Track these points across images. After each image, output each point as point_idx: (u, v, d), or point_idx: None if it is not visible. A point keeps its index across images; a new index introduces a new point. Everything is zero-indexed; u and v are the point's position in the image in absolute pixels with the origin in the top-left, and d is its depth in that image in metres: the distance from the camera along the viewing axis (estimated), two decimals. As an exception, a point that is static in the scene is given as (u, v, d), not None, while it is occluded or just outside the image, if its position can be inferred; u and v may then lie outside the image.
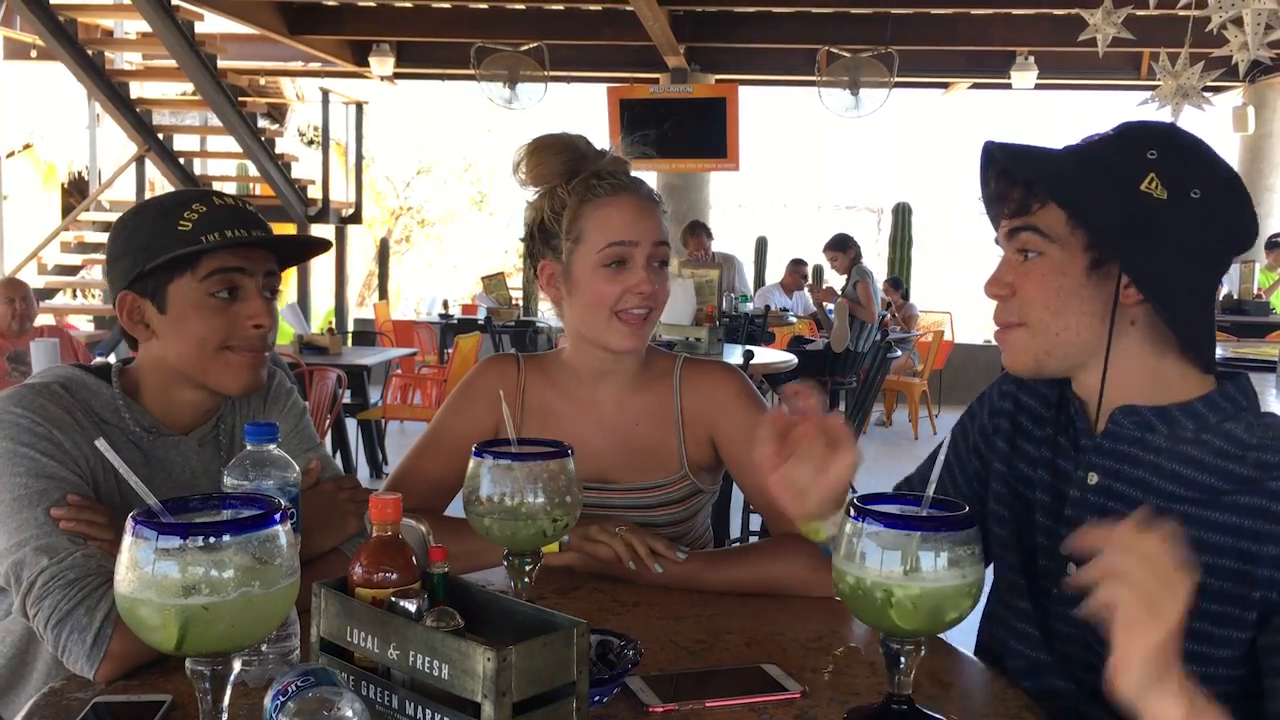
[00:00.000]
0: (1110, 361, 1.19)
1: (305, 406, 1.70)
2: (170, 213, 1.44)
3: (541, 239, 1.70)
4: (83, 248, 9.92)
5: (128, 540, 0.89)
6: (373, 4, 9.56)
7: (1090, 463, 1.25)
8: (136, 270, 1.43)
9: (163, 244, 1.42)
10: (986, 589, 1.17)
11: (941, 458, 1.10)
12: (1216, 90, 7.48)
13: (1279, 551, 1.10)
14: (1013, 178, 1.23)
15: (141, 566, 0.88)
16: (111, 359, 1.56)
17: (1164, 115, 4.35)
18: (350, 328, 10.87)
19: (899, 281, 10.42)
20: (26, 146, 12.92)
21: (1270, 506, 1.11)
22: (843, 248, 8.80)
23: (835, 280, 9.56)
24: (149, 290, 1.45)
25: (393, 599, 1.06)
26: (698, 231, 8.66)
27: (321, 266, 11.94)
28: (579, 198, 1.64)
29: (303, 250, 1.60)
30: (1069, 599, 1.21)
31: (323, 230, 10.68)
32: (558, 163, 1.66)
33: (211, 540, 0.88)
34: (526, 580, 1.26)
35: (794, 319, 9.52)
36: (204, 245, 1.41)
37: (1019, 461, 1.36)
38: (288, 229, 10.23)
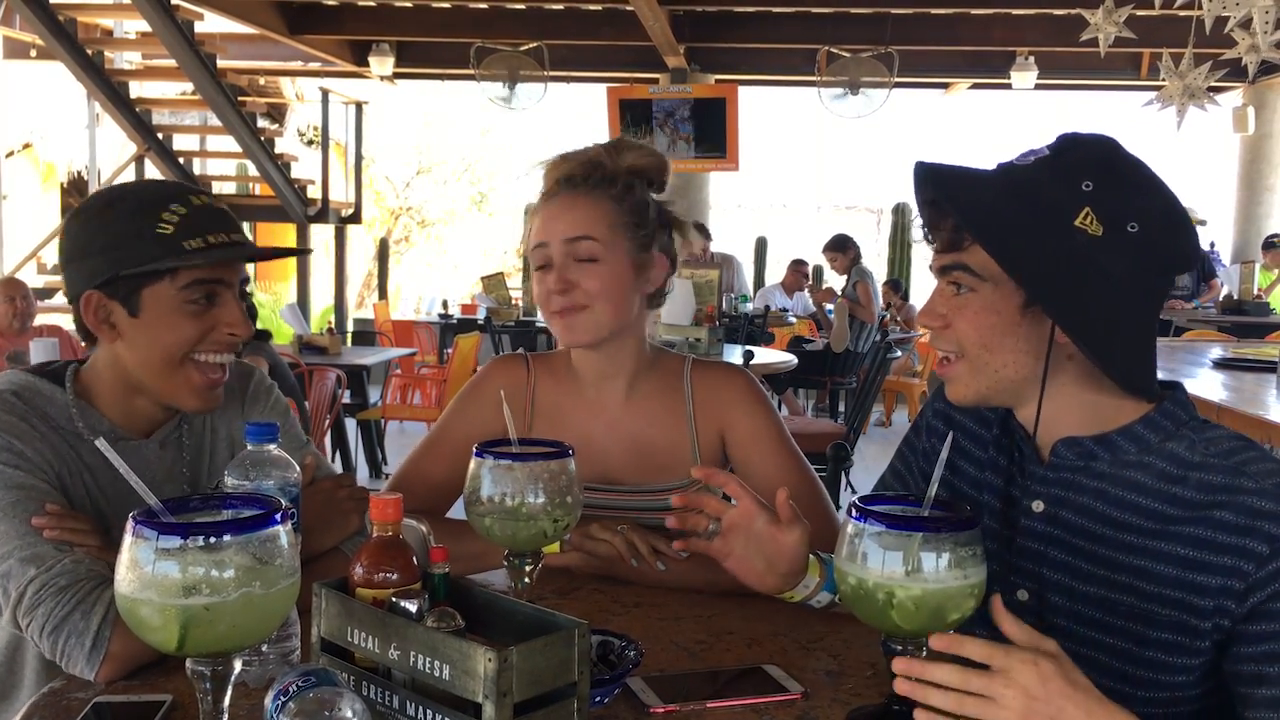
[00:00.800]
0: (1048, 396, 1.18)
1: (288, 405, 1.67)
2: (146, 211, 1.37)
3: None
4: (82, 247, 9.89)
5: (128, 540, 0.89)
6: (372, 4, 9.55)
7: (1036, 491, 1.24)
8: (110, 273, 1.37)
9: (141, 247, 1.36)
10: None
11: (944, 457, 1.09)
12: (1216, 91, 7.46)
13: (1223, 581, 1.09)
14: (942, 210, 1.20)
15: (142, 566, 0.88)
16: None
17: (1169, 116, 4.34)
18: (350, 328, 10.87)
19: (899, 283, 10.43)
20: (26, 146, 12.91)
21: (1214, 537, 1.11)
22: (842, 248, 8.81)
23: (835, 281, 9.57)
24: (120, 293, 1.39)
25: (393, 599, 1.06)
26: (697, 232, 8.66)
27: (321, 267, 11.94)
28: (536, 212, 1.69)
29: (281, 252, 1.58)
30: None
31: (322, 230, 10.69)
32: (554, 173, 1.68)
33: (212, 540, 0.88)
34: (527, 581, 1.26)
35: (794, 319, 9.53)
36: (193, 257, 1.36)
37: (960, 482, 1.34)
38: (287, 229, 10.25)
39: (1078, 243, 1.11)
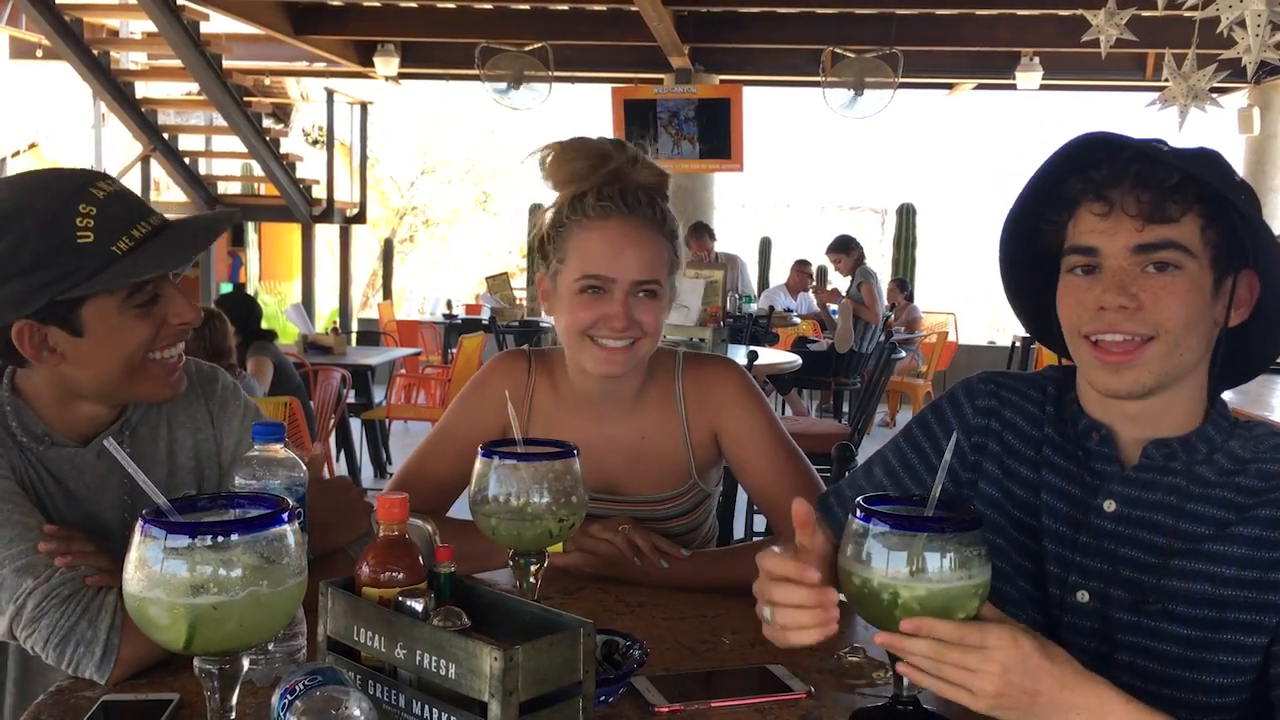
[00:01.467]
0: (1168, 390, 1.19)
1: (257, 407, 1.61)
2: (56, 220, 1.25)
3: (540, 249, 1.67)
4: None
5: (137, 539, 0.89)
6: (377, 4, 9.56)
7: (1111, 491, 1.23)
8: (42, 300, 1.25)
9: (65, 265, 1.25)
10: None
11: (948, 458, 1.09)
12: (1221, 92, 7.48)
13: None
14: (1148, 179, 1.14)
15: (150, 565, 0.88)
16: None
17: (1171, 117, 4.33)
18: (354, 327, 10.87)
19: (904, 283, 10.42)
20: (32, 146, 12.94)
21: (1270, 533, 1.15)
22: (845, 249, 8.81)
23: (839, 282, 9.56)
24: (54, 316, 1.28)
25: (399, 598, 1.07)
26: (700, 233, 8.66)
27: (326, 267, 11.96)
28: (570, 216, 1.60)
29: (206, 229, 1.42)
30: (1081, 626, 1.23)
31: (327, 230, 10.70)
32: (570, 170, 1.60)
33: (219, 539, 0.88)
34: (532, 580, 1.26)
35: (798, 320, 9.52)
36: (133, 263, 1.27)
37: (1012, 484, 1.31)
38: (292, 229, 10.26)
39: (1255, 225, 1.15)
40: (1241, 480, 1.19)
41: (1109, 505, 1.23)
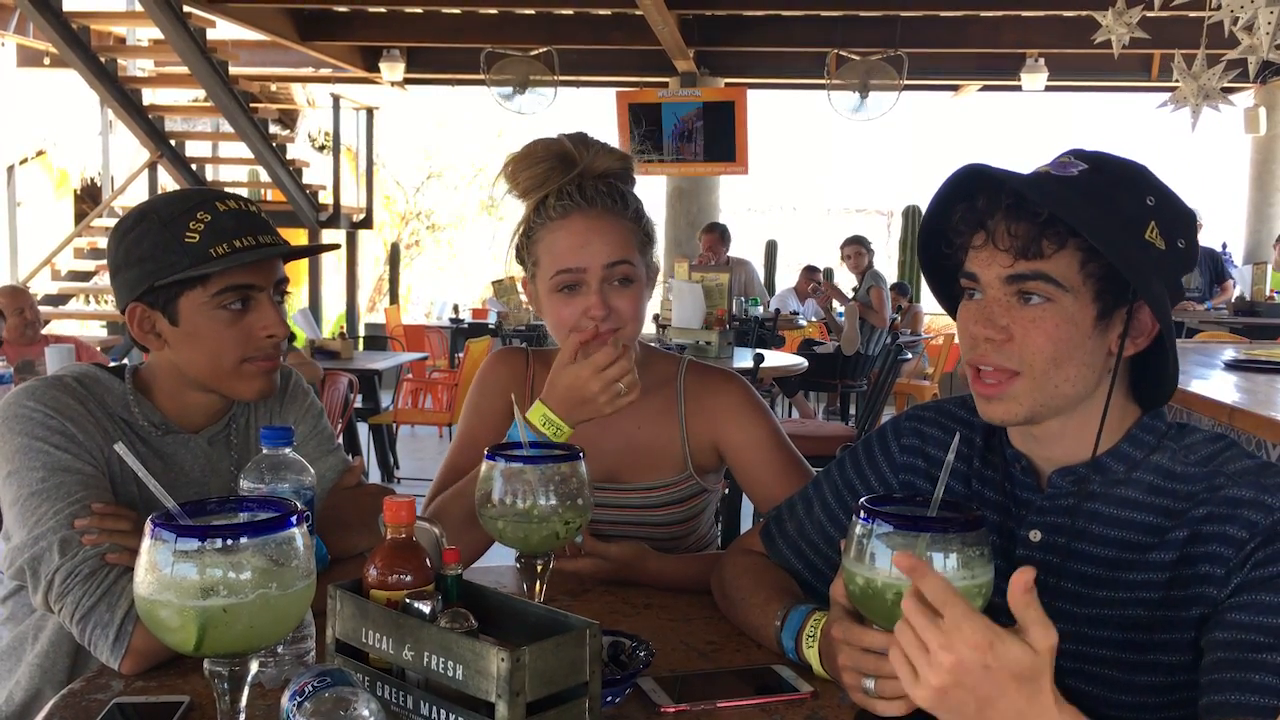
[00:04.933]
0: (1073, 414, 1.18)
1: (322, 408, 1.72)
2: (174, 222, 1.42)
3: (519, 259, 1.70)
4: (95, 254, 9.97)
5: (147, 542, 0.90)
6: (383, 10, 9.59)
7: (1032, 521, 1.22)
8: (145, 285, 1.43)
9: (169, 258, 1.41)
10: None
11: (950, 458, 1.10)
12: (1228, 92, 7.44)
13: (1209, 569, 1.10)
14: (1019, 214, 1.12)
15: (160, 568, 0.89)
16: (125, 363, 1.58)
17: (1183, 117, 4.32)
18: (361, 332, 10.89)
19: (905, 287, 10.41)
20: (40, 153, 12.98)
21: (1199, 530, 1.12)
22: (863, 245, 8.81)
23: (848, 278, 9.56)
24: (159, 303, 1.45)
25: (407, 600, 1.08)
26: (713, 232, 8.57)
27: (332, 271, 11.98)
28: (535, 221, 1.62)
29: (311, 253, 1.61)
30: None
31: (333, 235, 10.72)
32: (532, 176, 1.62)
33: (229, 542, 0.89)
34: (539, 582, 1.27)
35: (804, 322, 9.52)
36: (215, 264, 1.40)
37: None
38: (299, 234, 10.29)
39: (1150, 255, 1.12)
40: (1166, 502, 1.16)
41: (1034, 535, 1.22)
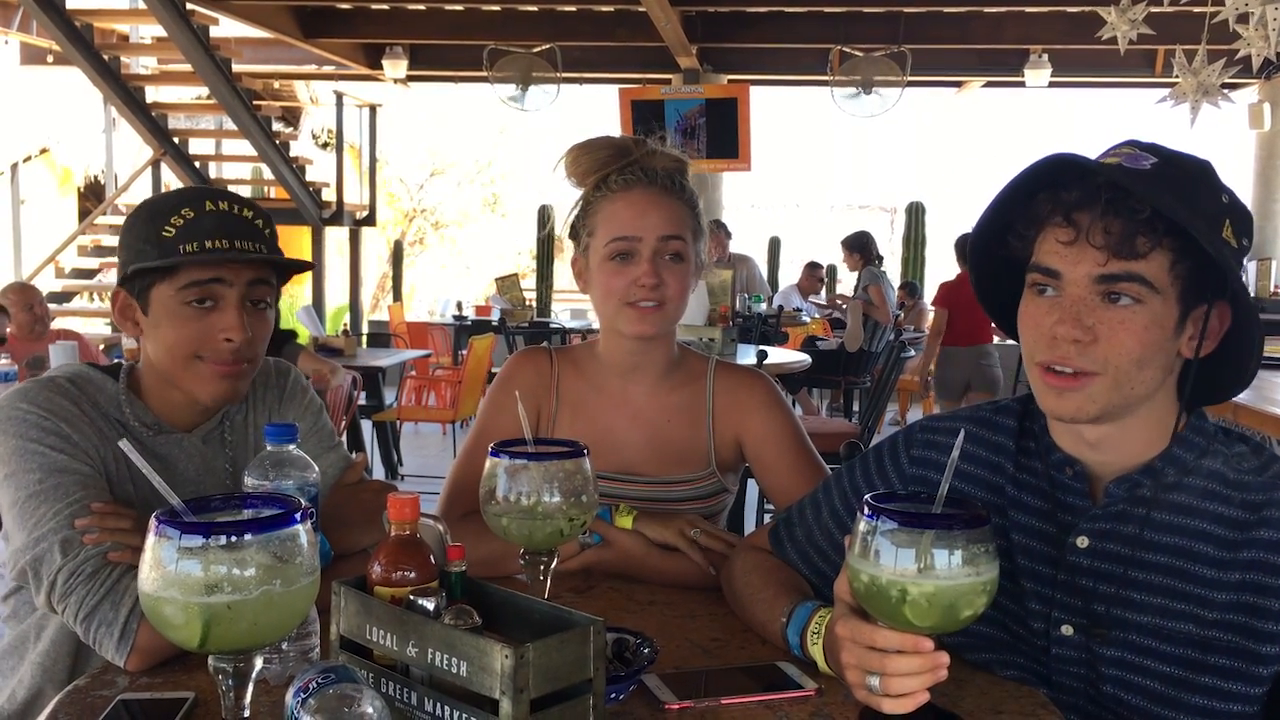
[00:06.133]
0: (1132, 416, 1.16)
1: (322, 405, 1.72)
2: (158, 216, 1.43)
3: (572, 233, 1.76)
4: (99, 251, 9.99)
5: (151, 539, 0.90)
6: (385, 7, 9.59)
7: (1081, 527, 1.21)
8: (123, 272, 1.46)
9: (143, 248, 1.43)
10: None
11: (955, 456, 1.09)
12: (1232, 87, 7.42)
13: None
14: (1117, 209, 1.08)
15: (165, 565, 0.89)
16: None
17: (1182, 113, 4.31)
18: (365, 329, 10.91)
19: (914, 286, 10.40)
20: (43, 151, 13.00)
21: (1267, 558, 1.11)
22: (858, 248, 8.80)
23: (850, 278, 9.55)
24: (135, 291, 1.47)
25: (411, 597, 1.07)
26: (715, 229, 8.61)
27: (336, 269, 11.99)
28: (596, 194, 1.70)
29: (288, 266, 1.56)
30: (1067, 656, 1.22)
31: (336, 232, 10.74)
32: (594, 160, 1.70)
33: (233, 539, 0.89)
34: (543, 579, 1.27)
35: (807, 319, 9.52)
36: (178, 259, 1.40)
37: None
38: (303, 232, 10.30)
39: (1232, 253, 1.11)
40: (1224, 510, 1.14)
41: (1082, 541, 1.21)
